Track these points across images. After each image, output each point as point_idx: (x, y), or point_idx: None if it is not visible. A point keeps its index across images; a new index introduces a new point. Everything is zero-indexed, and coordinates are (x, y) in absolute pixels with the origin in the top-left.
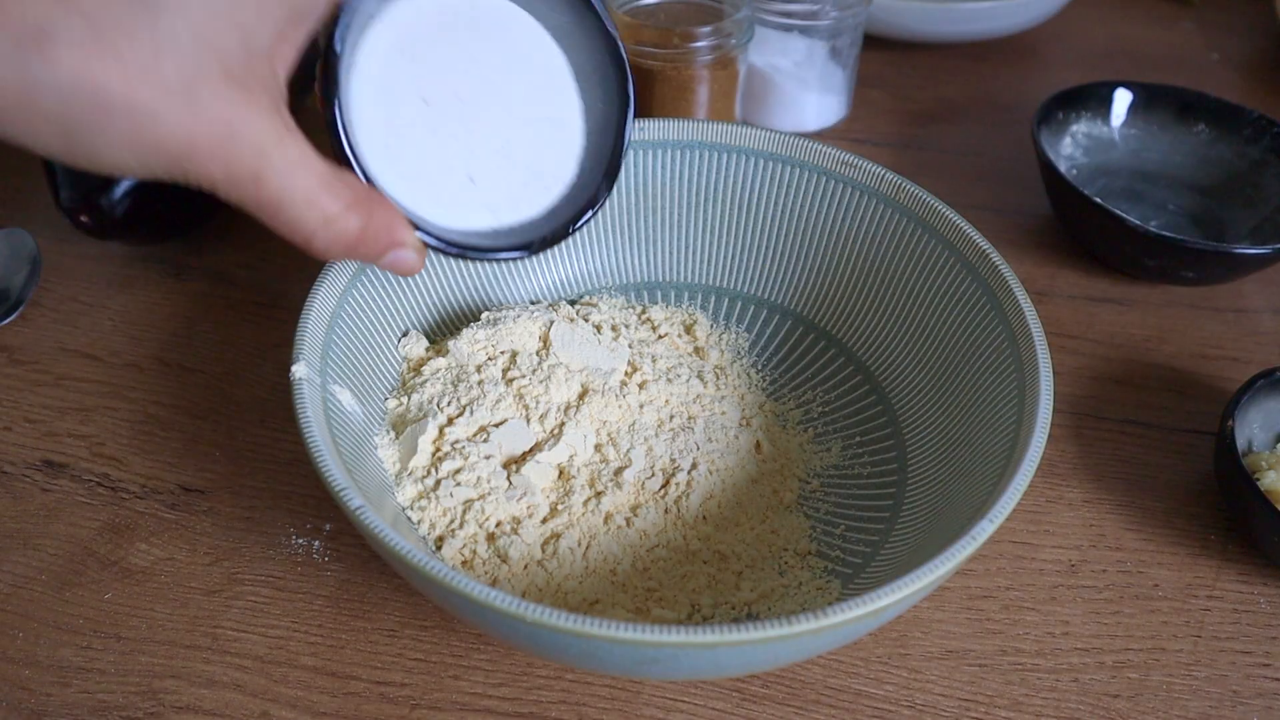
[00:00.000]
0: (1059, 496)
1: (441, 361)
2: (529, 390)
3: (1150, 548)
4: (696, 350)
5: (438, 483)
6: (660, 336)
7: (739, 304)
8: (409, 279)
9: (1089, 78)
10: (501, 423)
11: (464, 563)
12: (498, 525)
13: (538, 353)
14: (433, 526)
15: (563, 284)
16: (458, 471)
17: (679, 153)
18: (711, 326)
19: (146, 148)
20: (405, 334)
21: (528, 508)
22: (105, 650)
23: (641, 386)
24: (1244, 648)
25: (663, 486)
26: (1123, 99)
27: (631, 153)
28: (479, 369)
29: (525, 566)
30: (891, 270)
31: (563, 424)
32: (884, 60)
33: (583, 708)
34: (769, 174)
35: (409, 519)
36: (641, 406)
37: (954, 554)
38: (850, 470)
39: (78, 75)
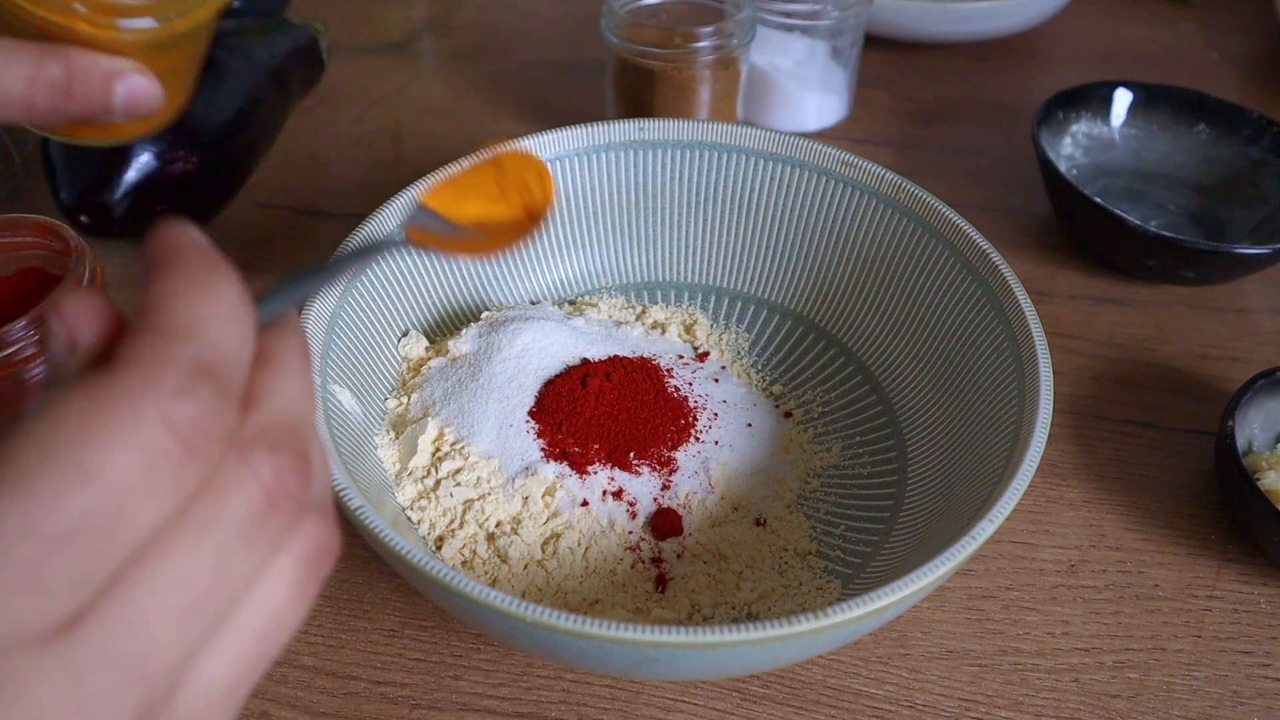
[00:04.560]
0: (1059, 496)
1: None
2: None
3: (1150, 548)
4: (696, 350)
5: (438, 483)
6: (660, 337)
7: (739, 304)
8: (410, 279)
9: (1089, 78)
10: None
11: (464, 563)
12: (498, 525)
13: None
14: (433, 526)
15: (563, 284)
16: (458, 471)
17: (679, 153)
18: (711, 326)
19: None
20: (405, 334)
21: (524, 500)
22: None
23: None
24: (1244, 648)
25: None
26: (1123, 99)
27: (631, 153)
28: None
29: (525, 566)
30: (891, 270)
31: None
32: (884, 60)
33: (583, 708)
34: (769, 174)
35: (409, 519)
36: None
37: (954, 554)
38: (850, 470)
39: None
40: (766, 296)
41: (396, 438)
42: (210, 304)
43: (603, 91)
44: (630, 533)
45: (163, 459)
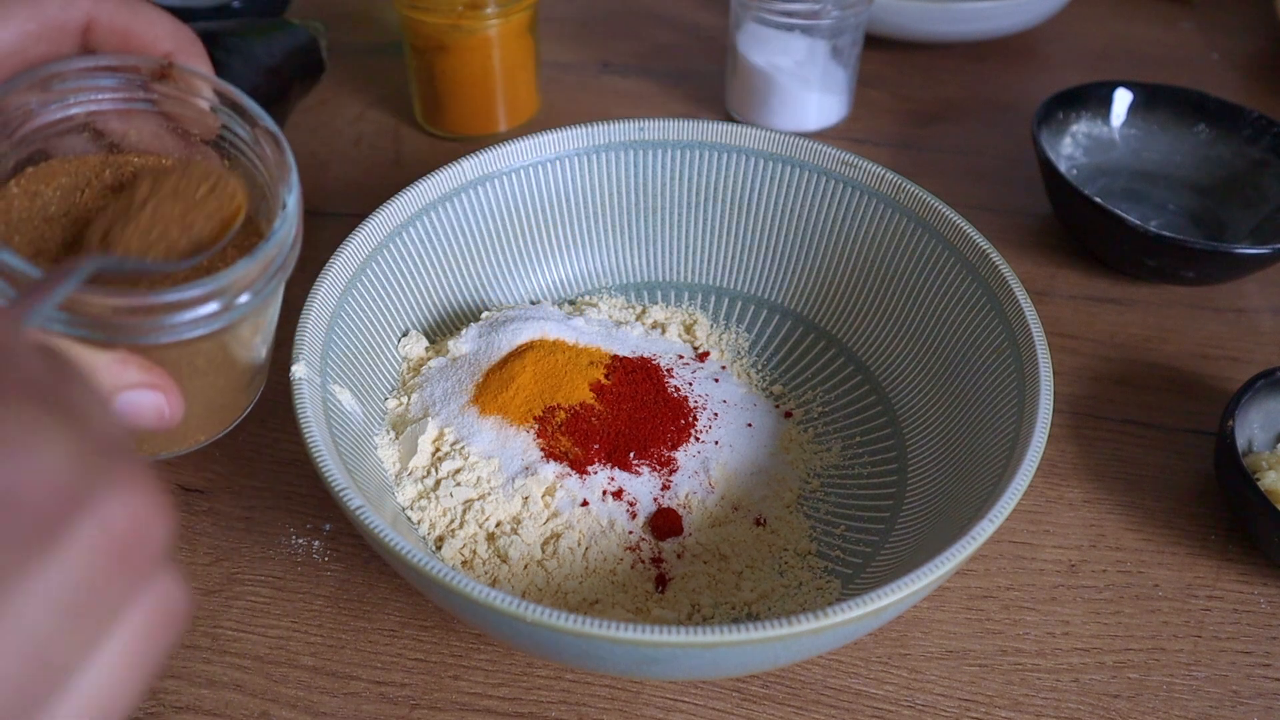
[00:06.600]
0: (1059, 496)
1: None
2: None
3: (1150, 548)
4: (696, 350)
5: (438, 483)
6: (660, 337)
7: (739, 304)
8: (410, 279)
9: (1089, 78)
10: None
11: (464, 563)
12: (498, 525)
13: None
14: (433, 526)
15: (563, 284)
16: (458, 471)
17: (679, 153)
18: (711, 326)
19: None
20: (405, 334)
21: (524, 500)
22: None
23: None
24: (1244, 648)
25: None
26: (1123, 99)
27: (631, 153)
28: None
29: (525, 566)
30: (891, 270)
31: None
32: (884, 60)
33: (583, 708)
34: (769, 174)
35: (409, 519)
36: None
37: (954, 554)
38: (850, 470)
39: None
40: (766, 296)
41: (396, 438)
42: None
43: (602, 91)
44: (630, 533)
45: None
